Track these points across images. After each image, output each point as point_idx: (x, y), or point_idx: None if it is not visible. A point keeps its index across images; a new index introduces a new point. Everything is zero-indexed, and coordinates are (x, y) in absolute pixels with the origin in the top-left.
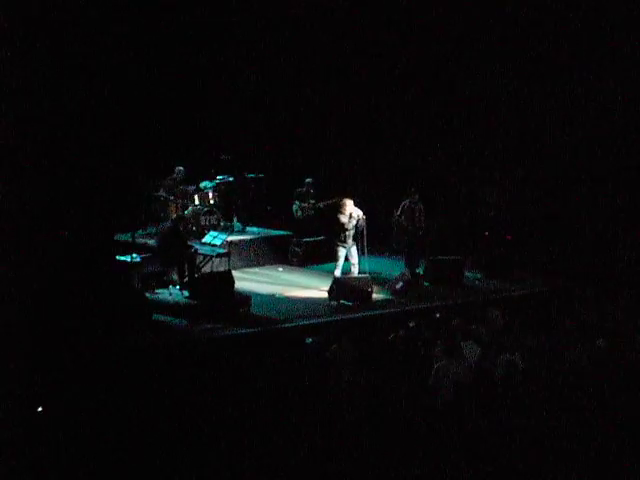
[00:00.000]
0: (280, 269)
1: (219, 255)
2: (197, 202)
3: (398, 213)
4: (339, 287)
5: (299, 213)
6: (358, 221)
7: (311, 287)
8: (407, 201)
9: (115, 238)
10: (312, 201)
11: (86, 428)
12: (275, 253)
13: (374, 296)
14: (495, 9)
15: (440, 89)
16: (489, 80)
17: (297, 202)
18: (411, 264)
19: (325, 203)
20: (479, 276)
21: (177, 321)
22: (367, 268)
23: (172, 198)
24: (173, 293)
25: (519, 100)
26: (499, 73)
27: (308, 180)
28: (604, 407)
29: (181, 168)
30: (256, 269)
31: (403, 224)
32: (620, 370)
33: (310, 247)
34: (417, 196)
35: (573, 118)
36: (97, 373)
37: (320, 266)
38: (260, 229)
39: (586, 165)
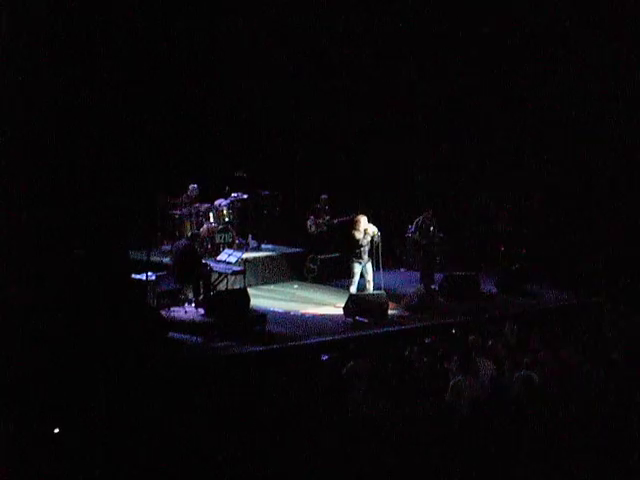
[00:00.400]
0: (295, 286)
1: (234, 273)
2: (212, 220)
3: (412, 229)
4: (355, 303)
5: (313, 229)
6: (373, 237)
7: (327, 304)
8: (421, 217)
9: (130, 256)
10: (327, 217)
11: (101, 445)
12: (290, 270)
13: (390, 312)
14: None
15: (452, 105)
16: (503, 96)
17: (312, 218)
18: (426, 280)
19: (340, 220)
20: (495, 291)
21: (193, 339)
22: (382, 284)
23: (187, 216)
24: (188, 311)
25: (534, 114)
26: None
27: (324, 196)
28: (621, 422)
29: (195, 185)
30: (271, 286)
31: (417, 240)
32: (636, 384)
33: (325, 264)
34: (431, 212)
35: (588, 126)
36: (114, 391)
37: (335, 282)
38: (275, 246)
39: (602, 179)
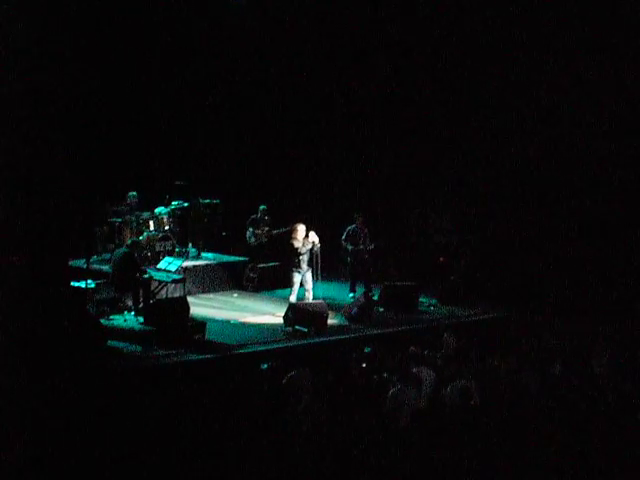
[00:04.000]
0: (235, 295)
1: (174, 281)
2: (152, 228)
3: (343, 238)
4: (294, 313)
5: (252, 240)
6: (313, 246)
7: (266, 313)
8: (352, 226)
9: (69, 264)
10: (266, 228)
11: (37, 457)
12: (230, 279)
13: (329, 322)
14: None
15: (390, 113)
16: (442, 99)
17: (251, 229)
18: (365, 289)
19: (279, 231)
20: (434, 302)
21: (132, 347)
22: (322, 293)
23: (127, 223)
24: (128, 319)
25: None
26: (449, 90)
27: (262, 207)
28: (558, 433)
29: (134, 193)
30: (211, 295)
31: (348, 248)
32: (574, 395)
33: (265, 273)
34: (361, 220)
35: (522, 136)
36: (51, 400)
37: (275, 292)
38: (215, 255)
39: (536, 191)
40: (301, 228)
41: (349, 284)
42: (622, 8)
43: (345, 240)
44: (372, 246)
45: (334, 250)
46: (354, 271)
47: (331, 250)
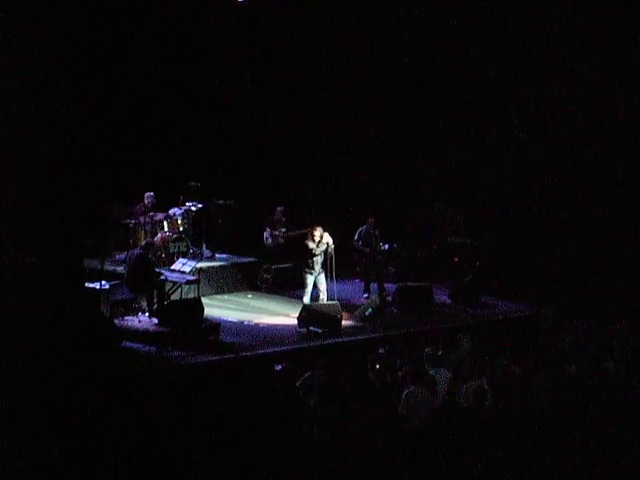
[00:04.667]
0: (249, 296)
1: (188, 282)
2: (166, 229)
3: (355, 239)
4: (308, 314)
5: (269, 241)
6: (327, 248)
7: (280, 314)
8: (363, 227)
9: (84, 265)
10: (283, 229)
11: (51, 457)
12: (244, 280)
13: (343, 323)
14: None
15: (406, 116)
16: (458, 107)
17: (268, 229)
18: (379, 290)
19: (296, 233)
20: (448, 302)
21: (146, 348)
22: (336, 294)
23: (141, 224)
24: (142, 320)
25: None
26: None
27: (280, 208)
28: (573, 435)
29: (151, 194)
30: (225, 296)
31: (361, 249)
32: (589, 397)
33: (279, 274)
34: (372, 221)
35: (542, 136)
36: (65, 401)
37: (289, 293)
38: (229, 256)
39: (555, 192)
40: (318, 229)
41: (363, 285)
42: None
43: (357, 241)
44: (385, 247)
45: (348, 251)
46: (367, 272)
47: (345, 251)
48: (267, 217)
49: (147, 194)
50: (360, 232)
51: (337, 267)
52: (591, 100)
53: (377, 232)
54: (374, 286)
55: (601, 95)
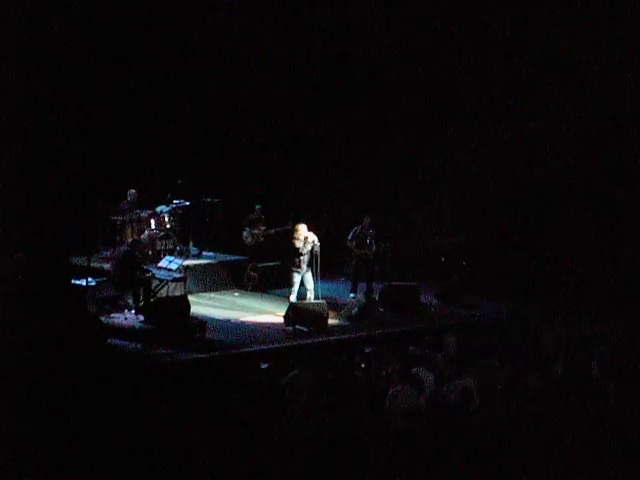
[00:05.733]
0: (236, 294)
1: (175, 280)
2: (153, 226)
3: (349, 238)
4: (295, 312)
5: (249, 239)
6: (313, 246)
7: (267, 312)
8: (359, 227)
9: (71, 261)
10: (263, 227)
11: (35, 455)
12: (231, 278)
13: (330, 321)
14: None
15: (393, 114)
16: (449, 106)
17: (247, 228)
18: (366, 290)
19: (276, 230)
20: (435, 302)
21: (132, 346)
22: (322, 293)
23: (128, 222)
24: (128, 317)
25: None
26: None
27: (258, 206)
28: (560, 434)
29: (133, 191)
30: (212, 294)
31: (353, 249)
32: (575, 396)
33: (266, 272)
34: (368, 221)
35: (531, 136)
36: (50, 397)
37: (276, 291)
38: (216, 254)
39: (542, 192)
40: (302, 228)
41: (350, 284)
42: None
43: (351, 240)
44: (381, 244)
45: (333, 250)
46: (357, 272)
47: (331, 250)
48: (245, 216)
49: (130, 191)
50: (355, 231)
51: (322, 266)
52: (591, 100)
53: (372, 232)
54: (362, 285)
55: (601, 95)
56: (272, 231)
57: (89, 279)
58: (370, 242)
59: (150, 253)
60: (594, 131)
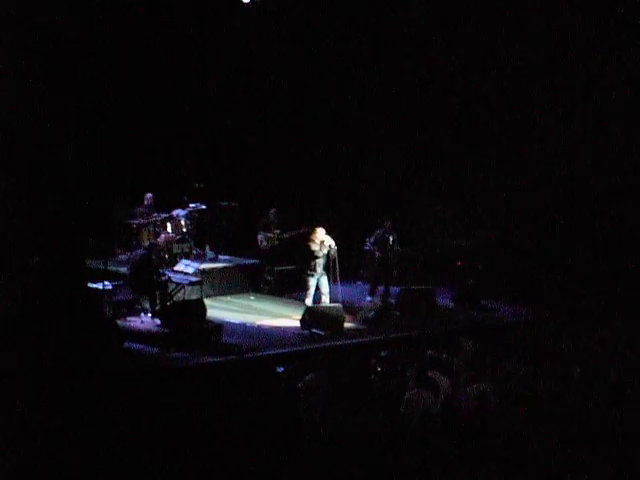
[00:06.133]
0: (252, 297)
1: (191, 283)
2: (170, 230)
3: (371, 242)
4: (311, 316)
5: (264, 243)
6: (329, 250)
7: (283, 316)
8: (380, 230)
9: (87, 265)
10: (277, 231)
11: (52, 458)
12: (247, 281)
13: (346, 325)
14: None
15: (411, 120)
16: (464, 110)
17: (262, 232)
18: (383, 293)
19: (291, 234)
20: (451, 305)
21: (148, 349)
22: (339, 297)
23: (145, 225)
24: (145, 321)
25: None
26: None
27: (272, 210)
28: (578, 437)
29: (149, 194)
30: (228, 297)
31: (374, 253)
32: (593, 399)
33: (282, 276)
34: (390, 224)
35: (546, 138)
36: (67, 401)
37: (292, 295)
38: (232, 257)
39: (560, 196)
40: (320, 231)
41: (368, 287)
42: None
43: (373, 244)
44: (398, 248)
45: (351, 253)
46: (377, 275)
47: (348, 254)
48: (260, 220)
49: (146, 195)
50: (376, 235)
51: (340, 270)
52: (589, 101)
53: (393, 236)
54: (380, 289)
55: (600, 95)
56: (286, 235)
57: (106, 283)
58: (391, 245)
59: (166, 257)
60: (604, 132)
